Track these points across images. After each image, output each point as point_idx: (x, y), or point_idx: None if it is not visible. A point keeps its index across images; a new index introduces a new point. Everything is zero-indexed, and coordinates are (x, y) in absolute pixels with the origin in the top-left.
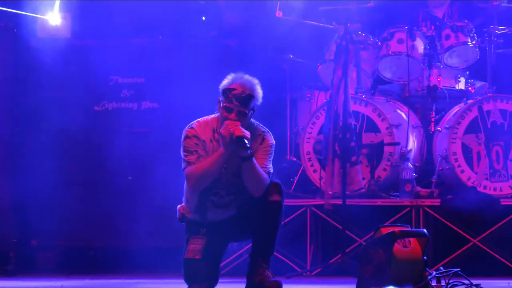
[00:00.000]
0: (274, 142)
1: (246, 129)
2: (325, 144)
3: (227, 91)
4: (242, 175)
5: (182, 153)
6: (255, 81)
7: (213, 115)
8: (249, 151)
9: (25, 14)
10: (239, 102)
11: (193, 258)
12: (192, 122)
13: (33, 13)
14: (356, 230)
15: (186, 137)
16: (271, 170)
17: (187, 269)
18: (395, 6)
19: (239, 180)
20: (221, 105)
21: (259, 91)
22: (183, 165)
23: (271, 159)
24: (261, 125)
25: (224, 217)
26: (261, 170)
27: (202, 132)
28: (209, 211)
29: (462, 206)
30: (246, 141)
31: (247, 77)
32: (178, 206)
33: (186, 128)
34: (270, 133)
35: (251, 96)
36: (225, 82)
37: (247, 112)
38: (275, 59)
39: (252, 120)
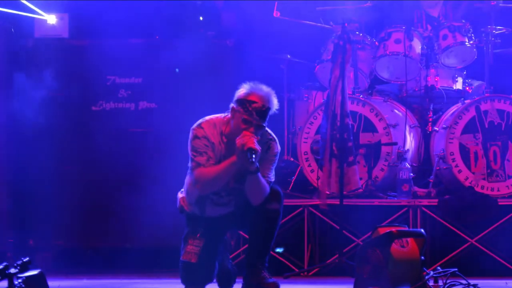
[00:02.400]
0: (279, 149)
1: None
2: (322, 144)
3: (246, 102)
4: (245, 186)
5: (190, 153)
6: (272, 93)
7: (221, 116)
8: (255, 166)
9: (23, 14)
10: (259, 117)
11: (189, 261)
12: (201, 121)
13: (31, 13)
14: (353, 230)
15: (196, 137)
16: (273, 179)
17: (183, 270)
18: (393, 6)
19: (241, 185)
20: (240, 116)
21: (276, 103)
22: (191, 164)
23: (274, 167)
24: (268, 131)
25: (222, 214)
26: (263, 183)
27: (211, 134)
28: (208, 207)
29: (460, 206)
30: (254, 156)
31: (265, 88)
32: (179, 195)
33: (195, 127)
34: (277, 140)
35: (269, 109)
36: (243, 92)
37: (264, 125)
38: (272, 59)
39: None
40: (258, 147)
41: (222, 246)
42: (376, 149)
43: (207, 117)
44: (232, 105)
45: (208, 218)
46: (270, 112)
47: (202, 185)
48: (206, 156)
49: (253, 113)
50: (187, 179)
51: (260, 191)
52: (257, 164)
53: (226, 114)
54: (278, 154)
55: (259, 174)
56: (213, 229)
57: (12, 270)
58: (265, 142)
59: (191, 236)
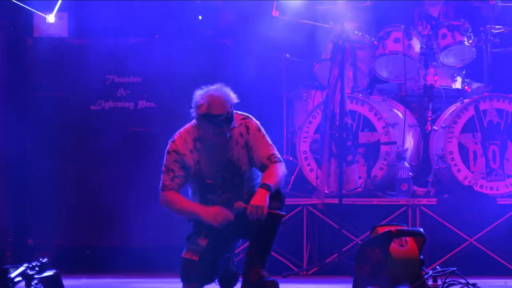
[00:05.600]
0: (258, 122)
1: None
2: (321, 143)
3: (211, 117)
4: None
5: (162, 167)
6: (227, 90)
7: (192, 123)
8: (267, 199)
9: (22, 13)
10: (228, 124)
11: (190, 259)
12: (175, 134)
13: (30, 13)
14: (352, 229)
15: (167, 152)
16: (276, 152)
17: (183, 268)
18: (392, 5)
19: (232, 174)
20: (210, 129)
21: (234, 96)
22: (160, 183)
23: (268, 137)
24: (238, 112)
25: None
26: (277, 174)
27: (183, 145)
28: None
29: (459, 205)
30: (278, 211)
31: (220, 92)
32: None
33: (170, 140)
34: (250, 116)
35: (232, 108)
36: (203, 106)
37: (235, 126)
38: (271, 58)
39: None
40: (263, 211)
41: (228, 253)
42: (375, 148)
43: (182, 129)
44: (194, 114)
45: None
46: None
47: (166, 207)
48: (172, 175)
49: (223, 125)
50: (189, 189)
51: (281, 180)
52: (265, 186)
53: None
54: (260, 125)
55: (272, 185)
56: (218, 231)
57: (30, 271)
58: (240, 123)
59: (195, 236)
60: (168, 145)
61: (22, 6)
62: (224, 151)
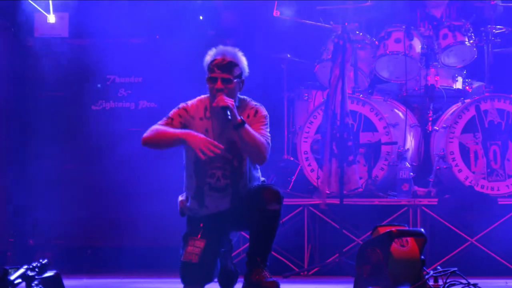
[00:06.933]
0: (267, 114)
1: (238, 104)
2: (322, 143)
3: (209, 64)
4: (241, 145)
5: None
6: (236, 50)
7: (206, 94)
8: (237, 119)
9: (23, 14)
10: (221, 70)
11: (189, 262)
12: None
13: (31, 13)
14: (353, 229)
15: (177, 107)
16: (268, 135)
17: (183, 271)
18: (393, 6)
19: (232, 156)
20: (207, 78)
21: (242, 59)
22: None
23: (268, 129)
24: (253, 100)
25: (220, 208)
26: (257, 135)
27: (194, 109)
28: (206, 195)
29: (460, 205)
30: (229, 112)
31: (228, 47)
32: (179, 198)
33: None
34: (263, 106)
35: (233, 63)
36: (208, 58)
37: (231, 78)
38: (272, 58)
39: (245, 96)
40: (228, 101)
41: (224, 247)
42: (376, 148)
43: (198, 97)
44: (206, 77)
45: (208, 216)
46: (239, 69)
47: (150, 143)
48: (169, 121)
49: (214, 68)
50: (185, 174)
51: (256, 144)
52: (241, 117)
53: None
54: (268, 117)
55: (249, 127)
56: (214, 229)
57: (31, 273)
58: (251, 108)
59: (191, 237)
60: (181, 104)
61: (22, 6)
62: (228, 127)
